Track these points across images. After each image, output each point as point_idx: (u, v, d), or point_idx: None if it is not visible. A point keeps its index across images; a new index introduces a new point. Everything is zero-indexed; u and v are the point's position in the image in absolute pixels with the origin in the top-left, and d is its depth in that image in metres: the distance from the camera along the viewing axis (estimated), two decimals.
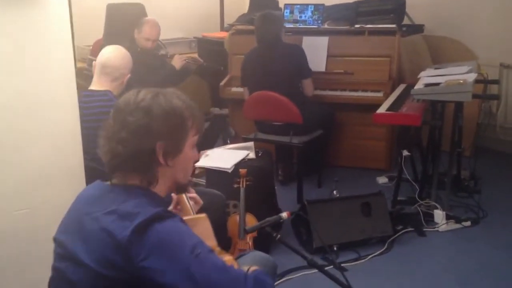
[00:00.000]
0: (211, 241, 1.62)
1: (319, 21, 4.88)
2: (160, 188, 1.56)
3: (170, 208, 1.87)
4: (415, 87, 3.60)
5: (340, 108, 4.60)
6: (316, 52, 4.63)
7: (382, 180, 4.51)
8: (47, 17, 2.10)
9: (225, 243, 3.11)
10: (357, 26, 4.73)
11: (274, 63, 4.14)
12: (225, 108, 5.09)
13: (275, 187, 3.74)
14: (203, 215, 1.71)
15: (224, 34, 5.47)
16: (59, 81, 2.17)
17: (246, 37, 4.94)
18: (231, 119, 4.97)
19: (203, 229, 1.64)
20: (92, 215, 1.46)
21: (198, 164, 3.32)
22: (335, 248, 3.36)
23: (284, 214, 1.94)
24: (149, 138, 1.50)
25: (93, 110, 2.70)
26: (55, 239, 1.54)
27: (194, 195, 1.91)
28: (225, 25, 6.07)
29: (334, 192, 3.85)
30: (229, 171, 3.24)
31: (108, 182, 1.56)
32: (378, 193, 3.58)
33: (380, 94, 4.43)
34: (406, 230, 3.64)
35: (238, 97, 4.66)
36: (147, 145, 1.50)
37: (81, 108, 2.66)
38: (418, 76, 3.93)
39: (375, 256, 3.38)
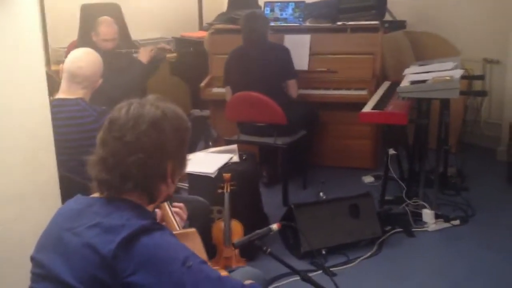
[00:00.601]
0: (202, 256, 1.51)
1: (300, 19, 4.78)
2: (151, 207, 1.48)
3: None
4: (401, 85, 3.53)
5: (324, 107, 4.51)
6: (298, 50, 4.53)
7: (368, 179, 4.44)
8: (15, 19, 1.96)
9: (210, 250, 3.00)
10: (339, 23, 4.64)
11: (259, 63, 4.04)
12: (206, 110, 4.97)
13: (260, 191, 3.64)
14: (193, 229, 1.60)
15: (203, 34, 5.36)
16: (28, 86, 2.03)
17: (226, 37, 4.84)
18: (213, 121, 4.86)
19: (193, 244, 1.53)
20: (73, 230, 1.36)
21: None
22: (323, 252, 3.27)
23: (274, 226, 1.84)
24: (163, 158, 1.43)
25: (63, 122, 2.54)
26: (33, 258, 1.42)
27: (178, 210, 1.80)
28: (204, 25, 5.94)
29: (321, 194, 3.77)
30: (213, 175, 3.13)
31: (90, 196, 1.45)
32: (366, 194, 3.50)
33: (364, 92, 4.36)
34: (395, 230, 3.57)
35: (219, 98, 4.55)
36: (162, 165, 1.43)
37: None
38: (403, 73, 3.86)
39: (364, 258, 3.30)
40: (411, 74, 3.74)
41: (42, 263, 1.38)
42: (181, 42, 5.55)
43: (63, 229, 1.38)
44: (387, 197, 3.89)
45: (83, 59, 2.73)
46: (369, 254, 3.33)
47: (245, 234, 3.05)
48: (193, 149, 4.60)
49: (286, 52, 4.12)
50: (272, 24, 4.76)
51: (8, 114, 2.01)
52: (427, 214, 3.61)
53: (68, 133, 2.51)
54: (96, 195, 1.45)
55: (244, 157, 3.34)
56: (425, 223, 3.61)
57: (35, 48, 2.03)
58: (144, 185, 1.41)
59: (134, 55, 4.33)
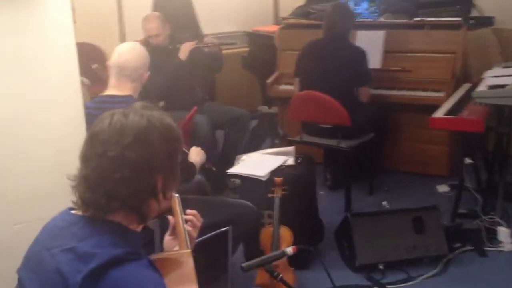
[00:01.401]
0: (190, 282, 1.36)
1: (376, 14, 4.51)
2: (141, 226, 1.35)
3: (167, 235, 1.63)
4: (477, 89, 3.20)
5: (397, 109, 4.22)
6: (371, 47, 4.24)
7: (442, 188, 4.10)
8: (48, 16, 1.90)
9: (257, 257, 2.85)
10: (417, 19, 4.32)
11: (334, 63, 3.81)
12: (274, 107, 4.82)
13: (318, 195, 3.45)
14: (187, 251, 1.45)
15: (276, 28, 5.18)
16: (61, 85, 1.98)
17: (297, 32, 4.66)
18: (280, 119, 4.69)
19: (182, 268, 1.39)
20: (51, 250, 1.25)
21: (231, 171, 3.08)
22: (381, 267, 3.03)
23: (290, 249, 1.65)
24: (152, 172, 1.30)
25: None
26: (18, 274, 1.33)
27: (191, 217, 1.65)
28: (279, 18, 5.78)
29: (384, 203, 3.51)
30: (264, 179, 2.98)
31: (76, 213, 1.33)
32: (433, 207, 3.21)
33: (441, 94, 4.02)
34: (465, 249, 3.25)
35: (287, 95, 4.36)
36: (151, 180, 1.30)
37: (100, 109, 2.49)
38: (482, 76, 3.50)
39: (427, 277, 3.03)
40: (491, 77, 3.39)
41: (23, 283, 1.30)
42: (253, 37, 5.42)
43: (43, 247, 1.28)
44: (460, 210, 3.56)
45: (129, 52, 2.65)
46: (432, 273, 3.05)
47: (295, 242, 2.90)
48: (259, 147, 4.49)
49: (363, 57, 3.85)
50: None
51: (40, 112, 1.96)
52: (503, 232, 3.26)
53: None
54: (85, 213, 1.32)
55: (299, 160, 3.15)
56: (501, 242, 3.26)
57: (68, 45, 1.96)
58: (132, 203, 1.28)
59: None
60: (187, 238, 1.56)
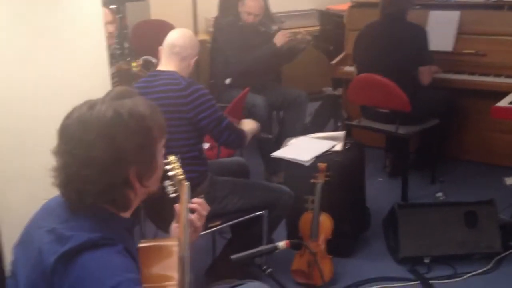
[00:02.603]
0: (171, 271, 1.38)
1: None
2: (129, 211, 1.38)
3: (173, 222, 1.66)
4: None
5: (467, 95, 3.98)
6: (444, 29, 4.03)
7: (510, 181, 3.85)
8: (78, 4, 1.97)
9: (295, 242, 2.84)
10: None
11: (392, 44, 3.65)
12: (339, 88, 4.71)
13: (374, 182, 3.36)
14: (174, 243, 1.46)
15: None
16: (90, 69, 2.05)
17: (368, 11, 4.48)
18: (344, 101, 4.59)
19: (166, 257, 1.41)
20: (40, 230, 1.30)
21: (275, 154, 3.07)
22: (426, 261, 2.92)
23: (282, 244, 1.62)
24: (120, 168, 1.30)
25: (156, 89, 2.56)
26: (13, 249, 1.41)
27: (196, 206, 1.66)
28: None
29: (439, 194, 3.35)
30: (307, 164, 2.94)
31: None
32: (489, 201, 3.03)
33: None
34: None
35: (351, 77, 4.24)
36: (120, 176, 1.31)
37: (144, 88, 2.56)
38: None
39: (475, 274, 2.88)
40: None
41: (15, 259, 1.36)
42: (325, 16, 5.30)
43: (36, 226, 1.33)
44: None
45: (181, 34, 2.72)
46: (482, 270, 2.90)
47: (335, 230, 2.87)
48: (322, 129, 4.43)
49: (423, 35, 3.65)
50: None
51: (67, 93, 2.04)
52: None
53: (160, 99, 2.50)
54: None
55: (347, 147, 3.08)
56: None
57: (97, 30, 2.03)
58: (104, 198, 1.30)
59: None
60: (187, 228, 1.58)
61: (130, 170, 1.31)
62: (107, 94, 1.37)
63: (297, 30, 5.27)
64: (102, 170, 1.26)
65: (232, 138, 2.65)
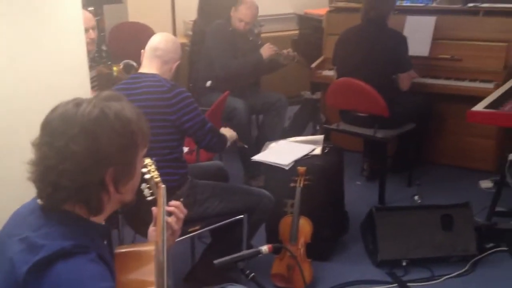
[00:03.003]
0: (147, 277, 1.37)
1: None
2: (101, 216, 1.36)
3: (151, 226, 1.65)
4: None
5: (443, 99, 4.04)
6: (420, 34, 4.09)
7: (485, 184, 3.93)
8: (58, 6, 1.95)
9: (278, 246, 2.85)
10: (470, 5, 4.10)
11: (371, 47, 3.69)
12: (317, 92, 4.74)
13: (353, 186, 3.39)
14: (151, 248, 1.45)
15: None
16: (71, 75, 2.03)
17: (346, 16, 4.54)
18: (322, 105, 4.62)
19: (142, 263, 1.39)
20: (12, 238, 1.27)
21: (255, 158, 3.08)
22: (404, 264, 2.95)
23: (265, 248, 1.63)
24: (98, 167, 1.29)
25: (139, 91, 2.55)
26: None
27: (172, 209, 1.65)
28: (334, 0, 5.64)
29: (416, 197, 3.40)
30: (287, 168, 2.95)
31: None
32: (465, 204, 3.07)
33: (490, 85, 3.81)
34: (498, 249, 3.10)
35: (329, 81, 4.27)
36: (97, 175, 1.29)
37: (125, 90, 2.56)
38: None
39: (452, 277, 2.92)
40: None
41: None
42: (304, 20, 5.33)
43: (7, 234, 1.30)
44: (499, 209, 3.39)
45: (164, 38, 2.71)
46: (458, 272, 2.94)
47: (314, 234, 2.88)
48: (300, 133, 4.45)
49: (403, 42, 3.69)
50: (396, 3, 4.37)
51: (47, 98, 2.01)
52: None
53: (143, 100, 2.50)
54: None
55: (326, 150, 3.10)
56: None
57: (78, 36, 2.01)
58: (79, 196, 1.28)
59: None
60: (165, 231, 1.58)
61: (108, 171, 1.29)
62: (95, 96, 1.36)
63: (276, 34, 5.32)
64: (80, 166, 1.25)
65: (214, 141, 2.66)
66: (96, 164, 1.27)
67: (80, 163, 1.25)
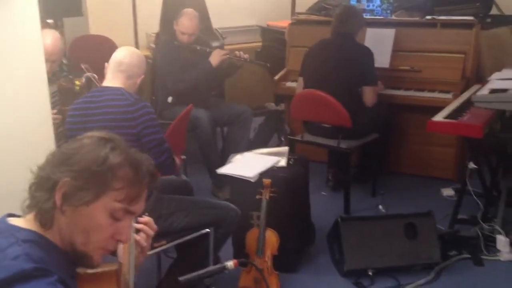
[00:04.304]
0: None
1: (388, 11, 4.39)
2: (55, 236, 1.30)
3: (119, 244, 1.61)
4: (478, 93, 3.09)
5: (403, 109, 4.13)
6: (380, 46, 4.16)
7: (447, 192, 4.01)
8: (15, 15, 1.91)
9: (243, 261, 2.84)
10: (428, 17, 4.20)
11: (337, 62, 3.73)
12: (281, 104, 4.77)
13: (319, 196, 3.41)
14: (113, 268, 1.42)
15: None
16: (30, 82, 1.98)
17: (308, 28, 4.60)
18: (287, 116, 4.65)
19: (105, 285, 1.37)
20: None
21: (221, 171, 3.06)
22: (370, 273, 2.97)
23: (230, 263, 1.62)
24: (61, 168, 1.27)
25: (102, 103, 2.52)
26: None
27: (141, 226, 1.62)
28: (295, 14, 5.70)
29: (380, 207, 3.44)
30: (252, 180, 2.95)
31: (11, 218, 1.32)
32: (427, 213, 3.13)
33: (449, 96, 3.91)
34: (461, 256, 3.16)
35: (293, 93, 4.31)
36: (55, 175, 1.27)
37: (88, 103, 2.53)
38: (488, 78, 3.38)
39: (418, 286, 2.95)
40: (497, 79, 3.27)
41: None
42: (266, 32, 5.37)
43: None
44: (461, 216, 3.47)
45: (129, 53, 2.69)
46: (424, 281, 2.97)
47: (280, 246, 2.88)
48: (265, 144, 4.46)
49: (369, 56, 3.75)
50: None
51: (7, 110, 1.97)
52: (501, 241, 3.17)
53: (106, 113, 2.48)
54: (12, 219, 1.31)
55: (291, 162, 3.11)
56: (499, 251, 3.17)
57: (36, 45, 1.97)
58: (35, 193, 1.29)
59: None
60: (133, 249, 1.54)
61: (64, 178, 1.27)
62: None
63: (239, 46, 5.33)
64: (54, 158, 1.30)
65: (168, 162, 2.63)
66: (61, 164, 1.28)
67: (55, 156, 1.30)
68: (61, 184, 1.27)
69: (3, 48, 1.96)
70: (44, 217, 1.28)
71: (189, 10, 4.11)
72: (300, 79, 4.01)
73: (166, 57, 4.03)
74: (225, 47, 4.92)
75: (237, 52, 4.20)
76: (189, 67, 3.99)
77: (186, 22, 4.02)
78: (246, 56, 4.19)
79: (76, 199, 1.27)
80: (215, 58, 4.01)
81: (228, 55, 4.09)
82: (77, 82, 3.38)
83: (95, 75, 3.65)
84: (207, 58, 4.03)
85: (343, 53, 3.76)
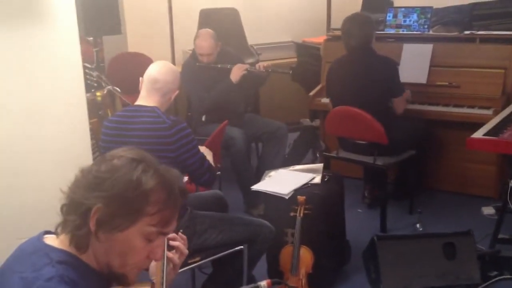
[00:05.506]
0: None
1: (426, 26, 4.34)
2: (90, 258, 1.32)
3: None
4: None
5: (442, 126, 4.05)
6: (418, 61, 4.12)
7: (488, 210, 3.90)
8: (56, 33, 1.96)
9: (276, 277, 2.81)
10: (467, 32, 4.13)
11: (363, 77, 3.65)
12: (316, 120, 4.75)
13: (353, 214, 3.36)
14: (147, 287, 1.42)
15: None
16: (68, 100, 2.03)
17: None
18: (322, 132, 4.62)
19: None
20: (13, 275, 1.25)
21: (255, 187, 3.05)
22: None
23: (264, 283, 1.59)
24: (93, 194, 1.27)
25: (138, 126, 2.54)
26: None
27: (178, 244, 1.62)
28: (330, 29, 5.69)
29: (417, 225, 3.37)
30: (286, 197, 2.93)
31: (47, 236, 1.35)
32: (467, 232, 3.04)
33: (489, 112, 3.82)
34: (502, 277, 3.06)
35: (327, 109, 4.28)
36: (88, 200, 1.27)
37: (123, 123, 2.55)
38: None
39: None
40: None
41: None
42: (302, 48, 5.37)
43: (9, 269, 1.28)
44: (502, 236, 3.36)
45: (163, 67, 2.69)
46: None
47: (315, 264, 2.84)
48: (300, 160, 4.45)
49: (393, 67, 3.68)
50: (393, 31, 4.41)
51: (46, 127, 2.02)
52: None
53: (142, 137, 2.49)
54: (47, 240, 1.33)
55: (326, 179, 3.08)
56: None
57: (75, 62, 2.02)
58: (69, 217, 1.29)
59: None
60: (165, 266, 1.54)
61: (97, 204, 1.26)
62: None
63: (274, 62, 5.35)
64: (86, 182, 1.29)
65: (211, 179, 2.65)
66: (93, 190, 1.27)
67: (86, 180, 1.30)
68: (94, 210, 1.27)
69: (45, 66, 2.01)
70: (80, 243, 1.29)
71: (203, 31, 4.14)
72: (330, 100, 3.98)
73: (188, 78, 4.05)
74: (261, 63, 4.93)
75: (257, 65, 4.21)
76: (212, 86, 4.01)
77: (201, 43, 4.06)
78: (265, 65, 4.18)
79: (110, 226, 1.27)
80: (235, 74, 4.02)
81: (247, 69, 4.08)
82: (98, 94, 3.45)
83: (116, 87, 3.74)
84: (227, 76, 4.04)
85: (368, 70, 3.65)
